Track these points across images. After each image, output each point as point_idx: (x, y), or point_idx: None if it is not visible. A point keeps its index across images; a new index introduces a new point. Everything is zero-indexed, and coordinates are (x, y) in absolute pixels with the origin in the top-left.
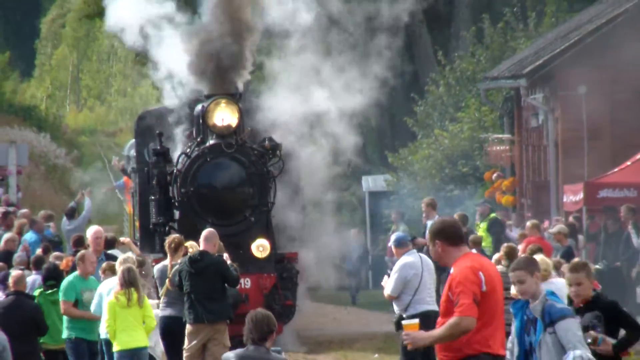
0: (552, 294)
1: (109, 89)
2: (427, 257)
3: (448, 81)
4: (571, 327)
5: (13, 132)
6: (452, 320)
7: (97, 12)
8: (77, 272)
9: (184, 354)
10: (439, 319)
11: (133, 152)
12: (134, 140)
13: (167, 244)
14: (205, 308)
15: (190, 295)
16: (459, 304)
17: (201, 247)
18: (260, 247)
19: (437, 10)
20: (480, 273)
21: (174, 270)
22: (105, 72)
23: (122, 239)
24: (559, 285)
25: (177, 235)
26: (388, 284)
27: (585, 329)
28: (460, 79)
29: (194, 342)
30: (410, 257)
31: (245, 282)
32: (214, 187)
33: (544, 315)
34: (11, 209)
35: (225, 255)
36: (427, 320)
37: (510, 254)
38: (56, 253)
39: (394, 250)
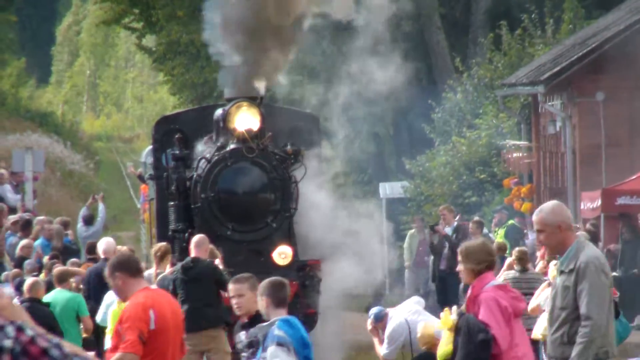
0: (286, 322)
1: (125, 95)
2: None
3: (466, 88)
4: (276, 354)
5: (29, 138)
6: (116, 355)
7: (114, 19)
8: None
9: None
10: (108, 351)
11: (150, 159)
12: (151, 147)
13: (153, 253)
14: (201, 315)
15: (185, 303)
16: (125, 340)
17: (192, 254)
18: (282, 254)
19: (455, 17)
20: (151, 311)
21: (161, 278)
22: (122, 78)
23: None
24: None
25: (164, 244)
26: (383, 349)
27: (250, 344)
28: (478, 86)
29: (191, 349)
30: (395, 322)
31: None
32: (234, 193)
33: (265, 339)
34: (27, 215)
35: (217, 261)
36: None
37: (522, 259)
38: (73, 260)
39: (374, 325)
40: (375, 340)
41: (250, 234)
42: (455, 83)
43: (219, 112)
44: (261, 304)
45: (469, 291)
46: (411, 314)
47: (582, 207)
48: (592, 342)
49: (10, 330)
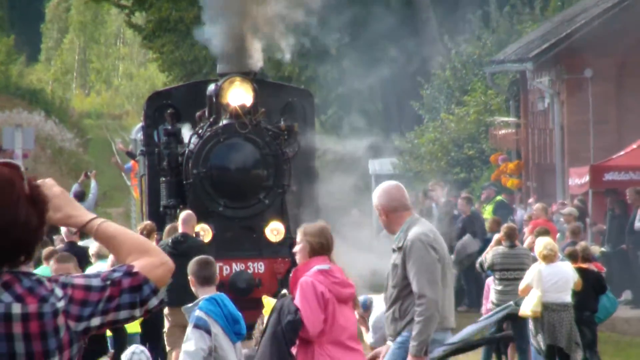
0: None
1: (116, 72)
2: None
3: (454, 65)
4: (190, 336)
5: (19, 116)
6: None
7: None
8: None
9: (165, 337)
10: None
11: (140, 136)
12: (141, 123)
13: (139, 231)
14: (186, 290)
15: (171, 277)
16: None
17: (180, 230)
18: (274, 231)
19: None
20: None
21: None
22: (113, 55)
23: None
24: (565, 268)
25: (149, 222)
26: (369, 337)
27: None
28: (467, 63)
29: (175, 323)
30: (379, 311)
31: (259, 267)
32: (227, 169)
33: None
34: None
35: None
36: None
37: (510, 235)
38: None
39: (361, 314)
40: (363, 329)
41: (242, 210)
42: (444, 60)
43: (211, 87)
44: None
45: (292, 274)
46: None
47: (570, 183)
48: (431, 319)
49: (59, 291)
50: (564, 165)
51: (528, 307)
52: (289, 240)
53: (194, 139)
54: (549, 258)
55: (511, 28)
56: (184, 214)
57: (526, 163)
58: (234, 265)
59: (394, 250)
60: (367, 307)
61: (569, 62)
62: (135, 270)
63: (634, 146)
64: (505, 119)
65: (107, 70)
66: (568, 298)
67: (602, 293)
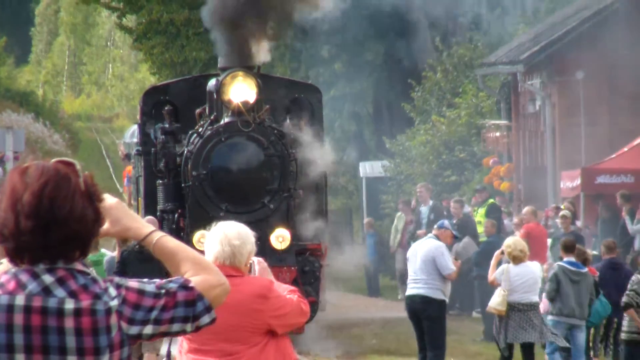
0: None
1: (106, 75)
2: (430, 243)
3: (445, 67)
4: None
5: (9, 118)
6: None
7: None
8: None
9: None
10: None
11: (134, 139)
12: (135, 126)
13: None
14: None
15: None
16: None
17: None
18: (279, 238)
19: None
20: None
21: (109, 259)
22: (105, 57)
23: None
24: (533, 268)
25: (151, 217)
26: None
27: None
28: (458, 65)
29: None
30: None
31: None
32: (228, 170)
33: None
34: None
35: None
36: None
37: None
38: None
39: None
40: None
41: (245, 215)
42: (435, 62)
43: (212, 82)
44: None
45: None
46: None
47: (562, 186)
48: None
49: (113, 290)
50: (556, 168)
51: (493, 305)
52: (295, 248)
53: (194, 138)
54: (518, 259)
55: (502, 30)
56: (147, 218)
57: (517, 166)
58: None
59: None
60: None
61: (560, 65)
62: (191, 285)
63: (626, 149)
64: (497, 121)
65: (98, 72)
66: (535, 298)
67: (596, 297)
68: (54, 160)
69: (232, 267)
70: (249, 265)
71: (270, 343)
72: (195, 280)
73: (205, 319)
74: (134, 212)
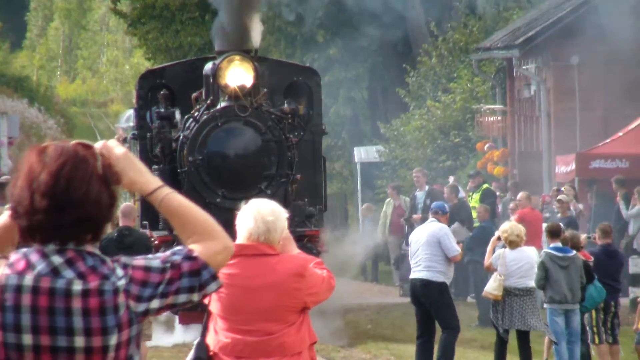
0: None
1: (101, 60)
2: (434, 225)
3: (440, 52)
4: None
5: (4, 103)
6: None
7: None
8: None
9: None
10: None
11: (130, 123)
12: (131, 110)
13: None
14: None
15: None
16: None
17: (120, 223)
18: None
19: None
20: None
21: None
22: (99, 42)
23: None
24: (530, 253)
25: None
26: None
27: None
28: (453, 50)
29: None
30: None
31: None
32: (225, 156)
33: None
34: (3, 178)
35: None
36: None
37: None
38: None
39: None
40: None
41: (242, 201)
42: (430, 47)
43: (208, 66)
44: None
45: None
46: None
47: (556, 171)
48: None
49: (120, 270)
50: (551, 153)
51: (489, 290)
52: (293, 235)
53: (190, 123)
54: (514, 244)
55: (498, 15)
56: (124, 206)
57: (512, 150)
58: None
59: None
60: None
61: (556, 49)
62: (195, 254)
63: (621, 134)
64: (492, 106)
65: (93, 57)
66: (531, 283)
67: (590, 282)
68: (73, 142)
69: (266, 243)
70: (281, 242)
71: (305, 320)
72: (198, 250)
73: (212, 287)
74: (142, 165)
